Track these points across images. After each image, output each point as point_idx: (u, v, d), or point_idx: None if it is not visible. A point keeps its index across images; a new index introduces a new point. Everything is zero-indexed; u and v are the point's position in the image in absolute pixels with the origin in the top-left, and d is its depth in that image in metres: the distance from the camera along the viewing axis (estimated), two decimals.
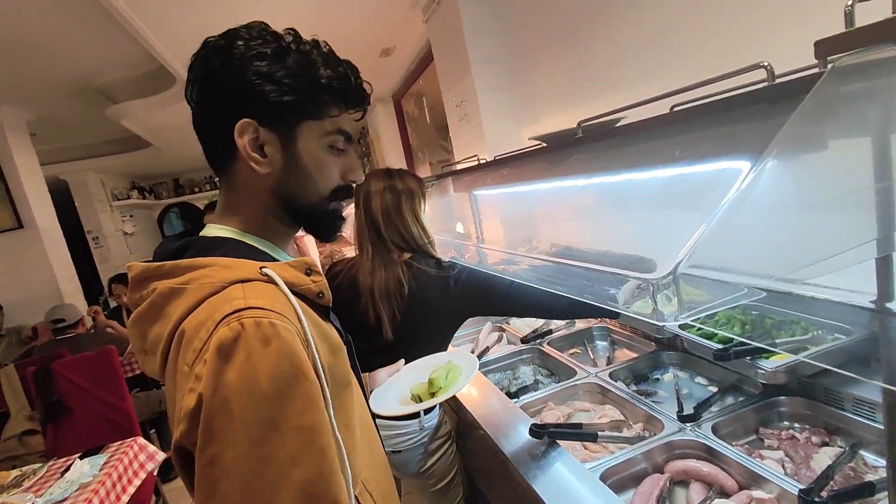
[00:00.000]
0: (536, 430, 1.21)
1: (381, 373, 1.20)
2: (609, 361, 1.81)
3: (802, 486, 0.97)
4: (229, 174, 0.72)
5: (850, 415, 1.16)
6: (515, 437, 1.28)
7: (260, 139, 0.69)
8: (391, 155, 5.33)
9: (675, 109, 0.86)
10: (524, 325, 2.31)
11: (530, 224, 1.31)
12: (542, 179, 1.26)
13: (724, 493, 1.06)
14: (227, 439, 0.53)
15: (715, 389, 1.48)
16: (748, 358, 1.24)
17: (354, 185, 0.81)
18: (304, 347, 0.60)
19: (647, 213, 0.81)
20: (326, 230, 0.80)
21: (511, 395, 1.56)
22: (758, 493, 1.01)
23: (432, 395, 1.12)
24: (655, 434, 1.26)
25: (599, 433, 1.23)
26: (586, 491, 1.04)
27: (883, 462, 1.06)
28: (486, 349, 2.04)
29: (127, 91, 3.90)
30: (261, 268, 0.65)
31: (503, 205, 1.42)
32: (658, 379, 1.63)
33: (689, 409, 1.26)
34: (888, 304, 0.74)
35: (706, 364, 1.56)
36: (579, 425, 1.29)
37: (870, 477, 1.00)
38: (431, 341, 1.45)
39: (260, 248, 0.73)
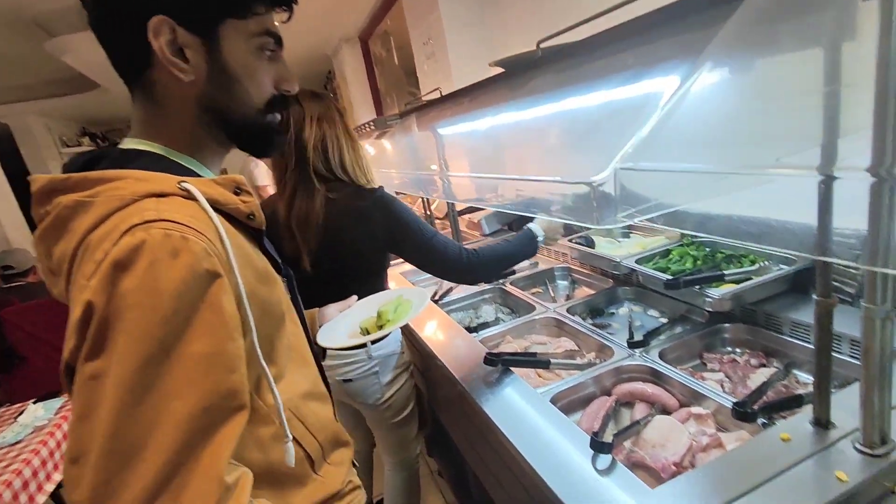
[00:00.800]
0: (490, 359, 1.23)
1: (331, 308, 1.18)
2: (568, 299, 1.84)
3: (725, 395, 1.02)
4: (146, 85, 0.65)
5: (787, 338, 1.22)
6: (471, 366, 1.30)
7: (179, 41, 0.62)
8: (359, 101, 5.13)
9: (634, 18, 0.82)
10: None
11: (491, 153, 1.29)
12: (503, 106, 1.22)
13: (666, 411, 1.11)
14: (116, 353, 0.49)
15: (666, 321, 1.53)
16: (697, 287, 1.28)
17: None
18: (224, 272, 0.56)
19: (601, 129, 0.79)
20: (263, 146, 0.75)
21: (471, 330, 1.58)
22: (696, 409, 1.06)
23: (380, 327, 1.12)
24: (603, 359, 1.30)
25: (553, 361, 1.26)
26: (536, 413, 1.07)
27: (812, 379, 1.12)
28: (450, 290, 2.05)
29: (66, 23, 3.57)
30: (180, 182, 0.59)
31: (465, 136, 1.38)
32: (613, 313, 1.67)
33: (639, 338, 1.30)
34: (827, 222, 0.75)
35: (659, 297, 1.60)
36: (533, 354, 1.32)
37: (800, 392, 1.05)
38: (360, 274, 1.41)
39: (185, 165, 0.67)
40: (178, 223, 0.54)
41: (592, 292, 1.89)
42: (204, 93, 0.66)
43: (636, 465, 0.98)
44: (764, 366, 1.22)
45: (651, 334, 1.32)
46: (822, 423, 0.84)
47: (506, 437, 1.00)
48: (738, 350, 1.32)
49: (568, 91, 0.94)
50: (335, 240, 1.35)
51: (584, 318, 1.64)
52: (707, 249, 1.55)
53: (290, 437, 0.67)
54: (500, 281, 2.02)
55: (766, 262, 1.36)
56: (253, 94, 0.69)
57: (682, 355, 1.30)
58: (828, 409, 0.84)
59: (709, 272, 1.32)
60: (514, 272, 2.06)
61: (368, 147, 2.65)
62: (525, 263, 2.23)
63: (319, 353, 1.06)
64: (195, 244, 0.54)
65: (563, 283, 2.05)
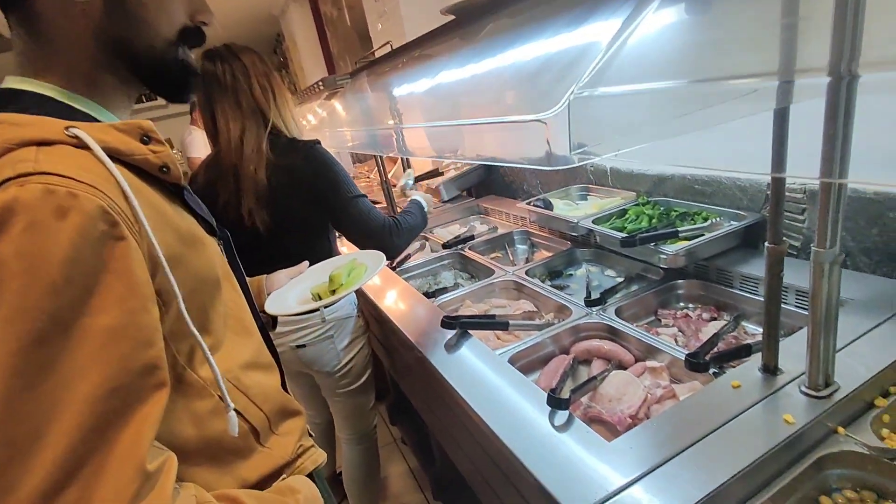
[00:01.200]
0: (448, 322, 1.20)
1: (281, 274, 1.11)
2: (528, 262, 1.83)
3: (678, 348, 1.04)
4: (28, 16, 0.55)
5: (737, 291, 1.24)
6: (429, 331, 1.26)
7: None
8: (310, 64, 4.87)
9: None
10: (448, 234, 2.28)
11: (447, 104, 1.23)
12: (456, 55, 1.15)
13: (622, 367, 1.12)
14: None
15: (622, 279, 1.54)
16: (652, 245, 1.28)
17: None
18: (131, 233, 0.49)
19: (557, 67, 0.74)
20: (177, 86, 0.66)
21: (429, 296, 1.55)
22: (651, 363, 1.07)
23: (333, 292, 1.06)
24: (564, 320, 1.30)
25: (511, 322, 1.24)
26: (494, 374, 1.05)
27: (760, 330, 1.16)
28: (408, 256, 2.00)
29: None
30: (68, 127, 0.50)
31: (419, 89, 1.31)
32: (571, 274, 1.67)
33: (595, 297, 1.30)
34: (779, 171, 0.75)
35: (616, 257, 1.61)
36: (492, 316, 1.30)
37: (748, 342, 1.08)
38: (300, 235, 1.35)
39: (81, 108, 0.58)
40: (64, 176, 0.46)
41: (551, 255, 1.89)
42: (100, 20, 0.56)
43: (593, 420, 0.98)
44: (715, 319, 1.25)
45: (608, 293, 1.32)
46: (770, 369, 0.86)
47: (463, 399, 0.98)
48: (690, 305, 1.34)
49: (523, 35, 0.88)
50: (273, 196, 1.28)
51: (542, 280, 1.63)
52: (661, 209, 1.56)
53: (232, 406, 0.62)
54: (460, 246, 1.98)
55: (719, 219, 1.38)
56: (161, 24, 0.60)
57: (637, 312, 1.31)
58: (776, 355, 0.85)
59: (663, 230, 1.33)
60: (408, 257, 2.03)
61: (318, 109, 2.51)
62: (484, 228, 2.20)
63: (268, 322, 0.99)
64: (87, 201, 0.46)
65: (522, 248, 2.04)
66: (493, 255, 2.00)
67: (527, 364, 1.18)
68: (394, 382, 2.37)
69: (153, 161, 0.58)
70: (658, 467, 0.72)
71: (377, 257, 1.18)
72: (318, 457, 0.78)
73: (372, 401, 1.58)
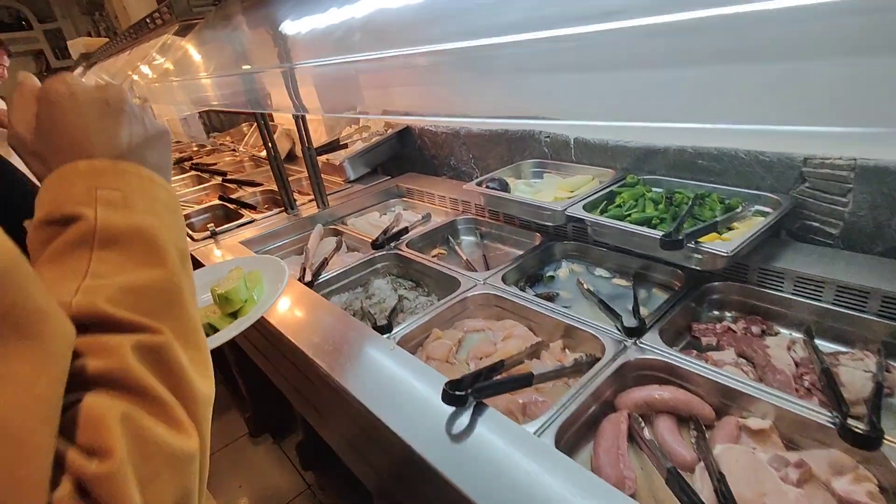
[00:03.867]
0: (454, 395, 0.75)
1: None
2: (486, 261, 1.44)
3: (786, 396, 0.75)
4: None
5: (788, 295, 1.00)
6: (419, 408, 0.80)
7: None
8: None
9: None
10: (369, 226, 1.77)
11: (368, 37, 0.76)
12: None
13: (701, 424, 0.80)
14: None
15: (624, 283, 1.23)
16: (694, 242, 0.97)
17: None
18: None
19: None
20: None
21: (381, 329, 1.06)
22: (753, 422, 0.76)
23: (233, 315, 0.80)
24: (591, 355, 0.93)
25: (536, 373, 0.84)
26: (551, 478, 0.65)
27: (838, 347, 0.93)
28: (325, 262, 1.46)
29: None
30: None
31: (323, 21, 0.81)
32: (553, 276, 1.32)
33: (632, 321, 0.95)
34: None
35: (602, 252, 1.30)
36: (500, 364, 0.88)
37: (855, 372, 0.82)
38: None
39: None
40: None
41: (510, 249, 1.52)
42: None
43: None
44: (766, 333, 1.00)
45: (636, 311, 0.99)
46: None
47: None
48: (728, 315, 1.07)
49: None
50: None
51: (522, 288, 1.25)
52: (659, 190, 1.28)
53: None
54: (392, 244, 1.50)
55: (745, 204, 1.12)
56: None
57: (668, 331, 1.00)
58: None
59: (702, 223, 1.03)
60: (325, 262, 1.55)
61: (157, 55, 1.75)
62: (415, 216, 1.74)
63: None
64: None
65: (469, 240, 1.63)
66: (434, 251, 1.57)
67: (573, 436, 0.80)
68: (303, 418, 1.84)
69: None
70: None
71: (273, 263, 0.92)
72: None
73: None
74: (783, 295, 1.00)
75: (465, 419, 0.75)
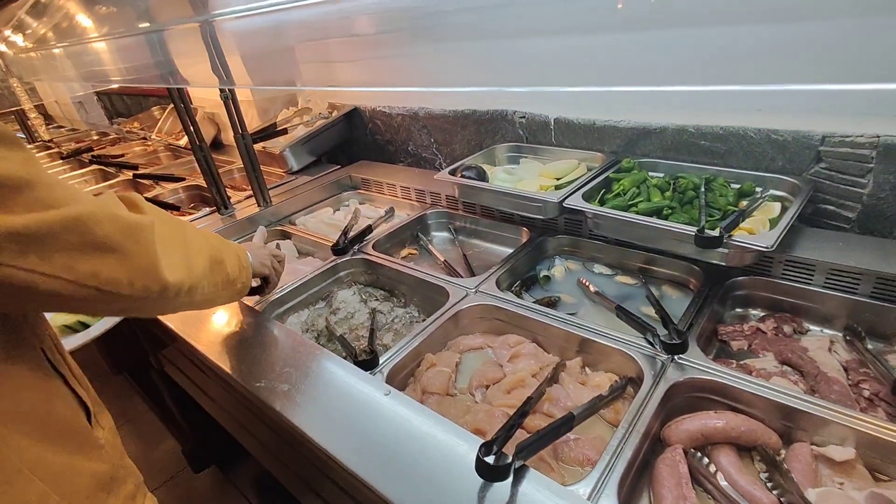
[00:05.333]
0: (493, 466, 0.56)
1: None
2: (468, 261, 1.26)
3: (856, 413, 0.64)
4: None
5: (818, 289, 0.91)
6: (443, 478, 0.61)
7: None
8: None
9: None
10: (323, 225, 1.52)
11: None
12: None
13: (769, 454, 0.68)
14: None
15: (629, 280, 1.10)
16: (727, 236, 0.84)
17: None
18: None
19: None
20: None
21: (363, 364, 0.85)
22: (834, 451, 0.64)
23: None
24: (625, 377, 0.79)
25: (574, 413, 0.68)
26: None
27: (877, 344, 0.85)
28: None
29: None
30: None
31: None
32: (548, 277, 1.16)
33: (672, 336, 0.81)
34: None
35: (597, 245, 1.16)
36: (528, 401, 0.70)
37: None
38: None
39: None
40: None
41: (489, 245, 1.35)
42: None
43: None
44: (798, 331, 0.90)
45: (665, 318, 0.85)
46: None
47: None
48: (752, 313, 0.97)
49: None
50: None
51: (517, 294, 1.08)
52: (658, 175, 1.15)
53: None
54: (357, 246, 1.27)
55: (760, 189, 1.02)
56: None
57: (702, 339, 0.88)
58: None
59: (731, 214, 0.91)
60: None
61: (28, 18, 1.37)
62: (375, 212, 1.51)
63: None
64: None
65: (441, 236, 1.44)
66: (404, 252, 1.36)
67: (629, 487, 0.65)
68: (191, 423, 1.60)
69: None
70: None
71: None
72: None
73: None
74: (813, 289, 0.91)
75: (504, 492, 0.57)
